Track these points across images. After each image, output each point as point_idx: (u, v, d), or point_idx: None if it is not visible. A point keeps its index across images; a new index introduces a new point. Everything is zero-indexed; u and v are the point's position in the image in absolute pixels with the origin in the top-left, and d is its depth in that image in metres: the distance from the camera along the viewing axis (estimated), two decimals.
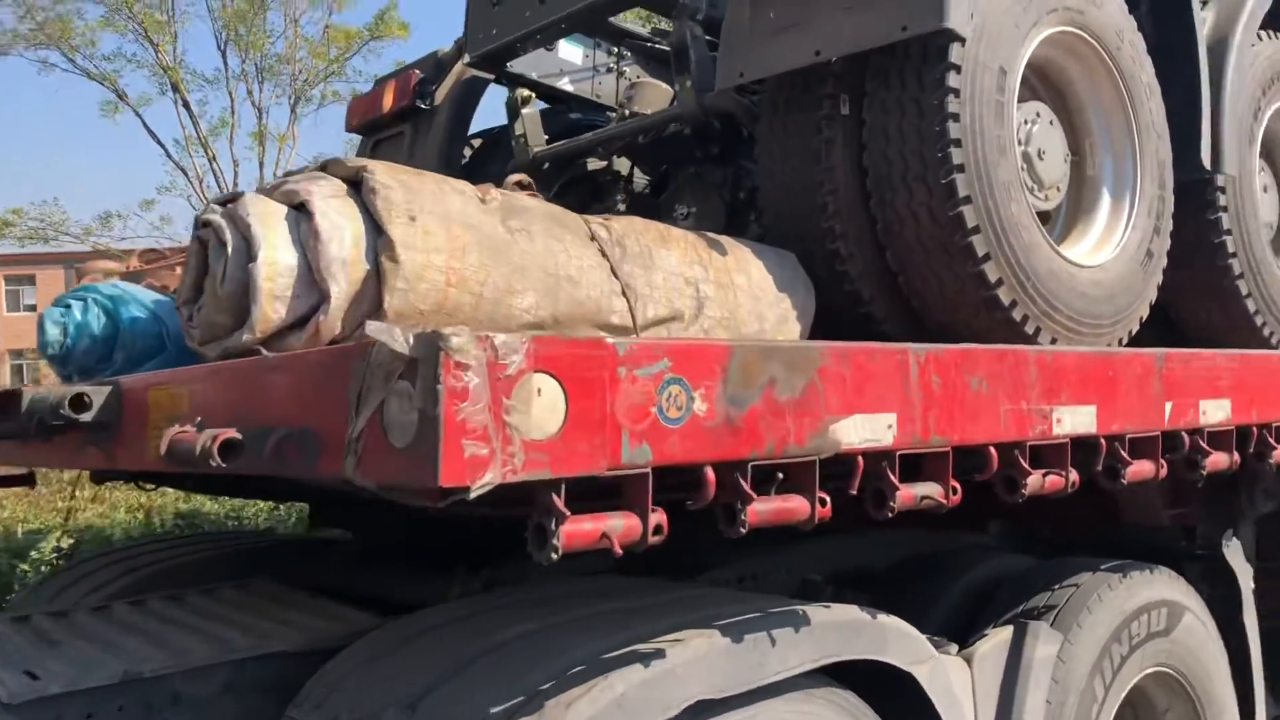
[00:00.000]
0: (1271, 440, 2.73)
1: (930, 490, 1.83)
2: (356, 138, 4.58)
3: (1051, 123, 3.06)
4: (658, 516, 1.48)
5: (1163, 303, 3.76)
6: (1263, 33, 3.79)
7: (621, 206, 4.07)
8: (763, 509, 1.60)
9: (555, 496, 1.38)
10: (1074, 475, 2.14)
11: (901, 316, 2.96)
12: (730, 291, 2.63)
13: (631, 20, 4.42)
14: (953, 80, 2.65)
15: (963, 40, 2.65)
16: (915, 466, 1.86)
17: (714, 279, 2.60)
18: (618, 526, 1.43)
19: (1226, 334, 3.68)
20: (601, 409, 1.39)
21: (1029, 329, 2.78)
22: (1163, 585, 2.93)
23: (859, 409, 1.70)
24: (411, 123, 4.14)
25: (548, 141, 3.89)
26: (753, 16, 2.90)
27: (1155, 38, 3.43)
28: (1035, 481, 2.05)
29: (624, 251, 2.45)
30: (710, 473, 1.54)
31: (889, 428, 1.75)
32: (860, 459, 1.74)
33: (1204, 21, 3.62)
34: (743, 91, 3.21)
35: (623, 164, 4.19)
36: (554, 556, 1.36)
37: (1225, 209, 3.53)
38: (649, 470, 1.45)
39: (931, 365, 1.82)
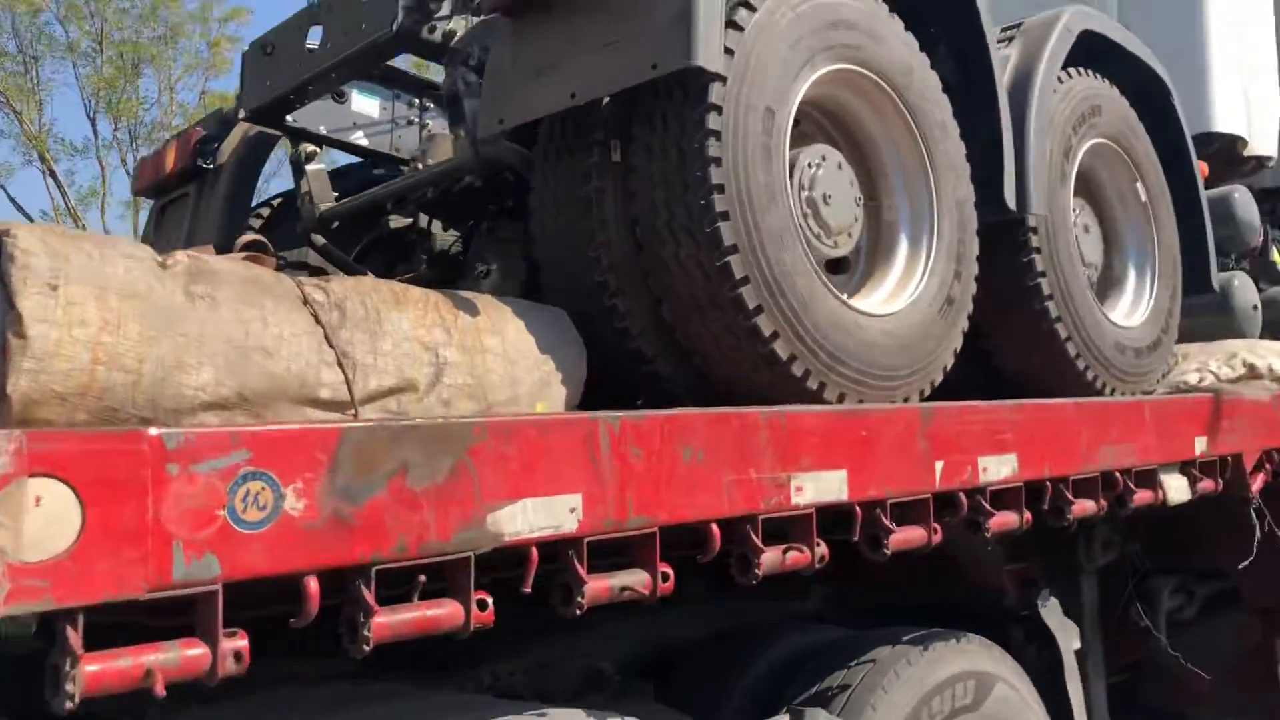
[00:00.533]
0: (1069, 495, 2.56)
1: (632, 580, 1.60)
2: None
3: (840, 165, 2.90)
4: (235, 642, 1.22)
5: (987, 349, 3.65)
6: (1075, 70, 3.72)
7: (426, 266, 3.84)
8: (394, 620, 1.35)
9: (71, 630, 1.11)
10: (822, 549, 1.93)
11: (688, 375, 2.75)
12: (479, 356, 2.39)
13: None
14: (713, 122, 2.47)
15: (722, 79, 2.48)
16: (620, 551, 1.64)
17: (459, 343, 2.36)
18: (172, 660, 1.17)
19: (1050, 379, 3.54)
20: (139, 517, 1.14)
21: (811, 384, 2.59)
22: (971, 655, 2.74)
23: (530, 492, 1.47)
24: (195, 183, 3.87)
25: (338, 199, 3.65)
26: (512, 60, 2.71)
27: (956, 76, 3.32)
28: (772, 559, 1.84)
29: (343, 316, 2.20)
30: (313, 583, 1.29)
31: (572, 511, 1.52)
32: (534, 550, 1.50)
33: (1006, 59, 3.53)
34: (524, 139, 3.02)
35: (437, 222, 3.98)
36: (69, 706, 1.09)
37: (1039, 250, 3.41)
38: (218, 588, 1.20)
39: (629, 436, 1.61)
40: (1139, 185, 3.93)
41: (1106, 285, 3.98)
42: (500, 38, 2.77)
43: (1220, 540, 3.83)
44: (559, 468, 1.51)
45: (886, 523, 2.06)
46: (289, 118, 3.61)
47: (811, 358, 2.59)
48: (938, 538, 2.19)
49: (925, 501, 2.17)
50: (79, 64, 24.83)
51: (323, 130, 3.76)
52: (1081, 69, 3.75)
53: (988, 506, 2.30)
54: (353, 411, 2.17)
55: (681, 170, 2.50)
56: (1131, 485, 2.74)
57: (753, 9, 2.60)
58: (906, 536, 2.12)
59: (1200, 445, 3.03)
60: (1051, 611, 3.01)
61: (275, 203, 4.10)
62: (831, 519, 2.01)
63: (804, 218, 2.78)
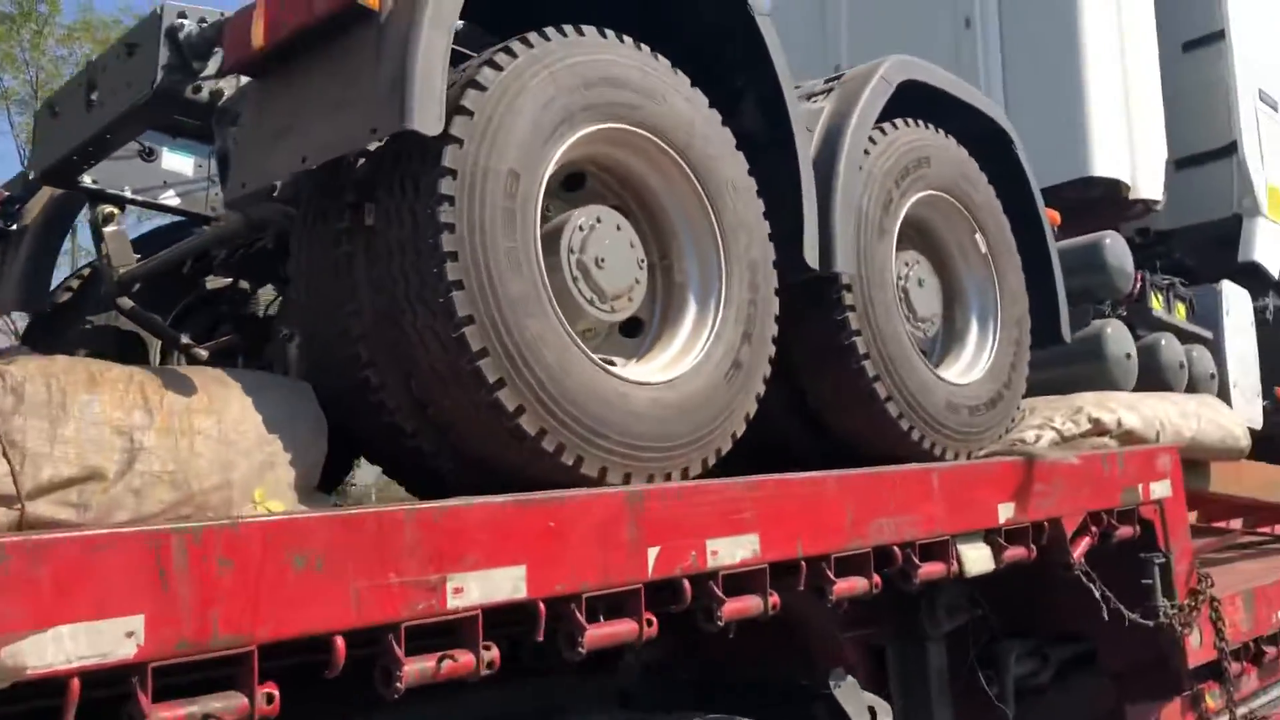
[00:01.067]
0: (830, 574, 2.43)
1: (219, 705, 1.45)
2: None
3: (619, 227, 2.79)
4: None
5: (816, 409, 3.54)
6: (902, 121, 3.63)
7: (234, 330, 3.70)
8: None
9: None
10: (490, 653, 1.78)
11: (451, 453, 2.61)
12: (185, 439, 2.24)
13: None
14: (445, 186, 2.35)
15: (458, 142, 2.37)
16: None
17: (162, 425, 2.22)
18: None
19: (874, 440, 3.43)
20: None
21: (566, 460, 2.46)
22: None
23: (69, 618, 1.32)
24: (0, 244, 3.74)
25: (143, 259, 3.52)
26: (256, 121, 2.60)
27: (760, 131, 3.22)
28: (420, 669, 1.69)
29: (20, 401, 2.06)
30: None
31: (130, 635, 1.38)
32: (75, 681, 1.35)
33: (818, 112, 3.43)
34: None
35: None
36: None
37: (853, 308, 3.30)
38: None
39: (216, 547, 1.46)
40: (978, 237, 3.83)
41: (949, 339, 3.88)
42: (249, 98, 2.66)
43: (1075, 603, 3.70)
44: (113, 588, 1.36)
45: (580, 619, 1.92)
46: (87, 178, 3.48)
47: (565, 431, 2.45)
48: (651, 630, 2.04)
49: (636, 592, 2.03)
50: (14, 111, 24.70)
51: (128, 191, 3.63)
52: (910, 120, 3.66)
53: (719, 592, 2.16)
54: (19, 506, 2.02)
55: (416, 236, 2.38)
56: (915, 559, 2.61)
57: (499, 68, 2.49)
58: (609, 631, 1.98)
59: (1006, 512, 2.91)
60: (848, 691, 2.86)
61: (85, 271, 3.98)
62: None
63: (574, 281, 2.67)
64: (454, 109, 2.36)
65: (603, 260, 2.71)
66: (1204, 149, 6.33)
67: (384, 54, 2.30)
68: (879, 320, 3.34)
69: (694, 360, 2.79)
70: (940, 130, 3.77)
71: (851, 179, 3.29)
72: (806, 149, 3.18)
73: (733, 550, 2.17)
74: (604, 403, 2.53)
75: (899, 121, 3.61)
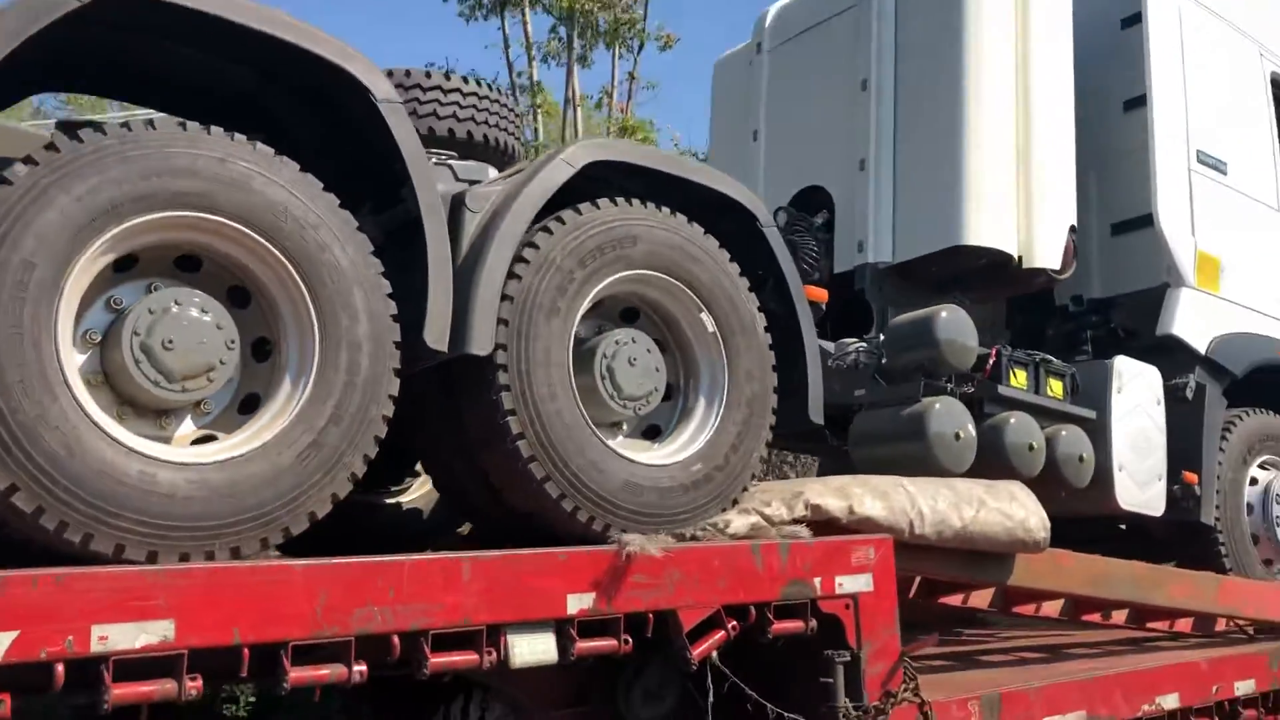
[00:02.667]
0: (286, 662, 2.42)
1: None
2: None
3: (203, 310, 2.89)
4: None
5: (495, 487, 3.56)
6: (606, 200, 3.62)
7: None
8: None
9: None
10: None
11: None
12: None
13: None
14: None
15: None
16: None
17: None
18: None
19: (544, 519, 3.42)
20: None
21: (72, 536, 2.56)
22: None
23: None
24: None
25: None
26: None
27: (399, 217, 3.30)
28: None
29: None
30: None
31: None
32: None
33: (488, 195, 3.48)
34: None
35: None
36: None
37: (507, 388, 3.31)
38: None
39: None
40: (704, 316, 3.77)
41: (680, 416, 3.82)
42: None
43: (804, 689, 3.56)
44: None
45: None
46: None
47: (70, 509, 2.57)
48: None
49: None
50: None
51: None
52: (621, 199, 3.65)
53: (107, 678, 2.22)
54: None
55: None
56: (425, 648, 2.58)
57: (35, 163, 2.65)
58: None
59: (581, 603, 2.84)
60: None
61: None
62: None
63: (135, 364, 2.79)
64: None
65: (171, 342, 2.82)
66: (1133, 215, 5.98)
67: None
68: (538, 401, 3.34)
69: (260, 441, 2.87)
70: (665, 208, 3.74)
71: (498, 262, 3.31)
72: (440, 233, 3.22)
73: (133, 636, 2.23)
74: (120, 482, 2.63)
75: (602, 201, 3.61)
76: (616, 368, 3.63)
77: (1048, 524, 4.14)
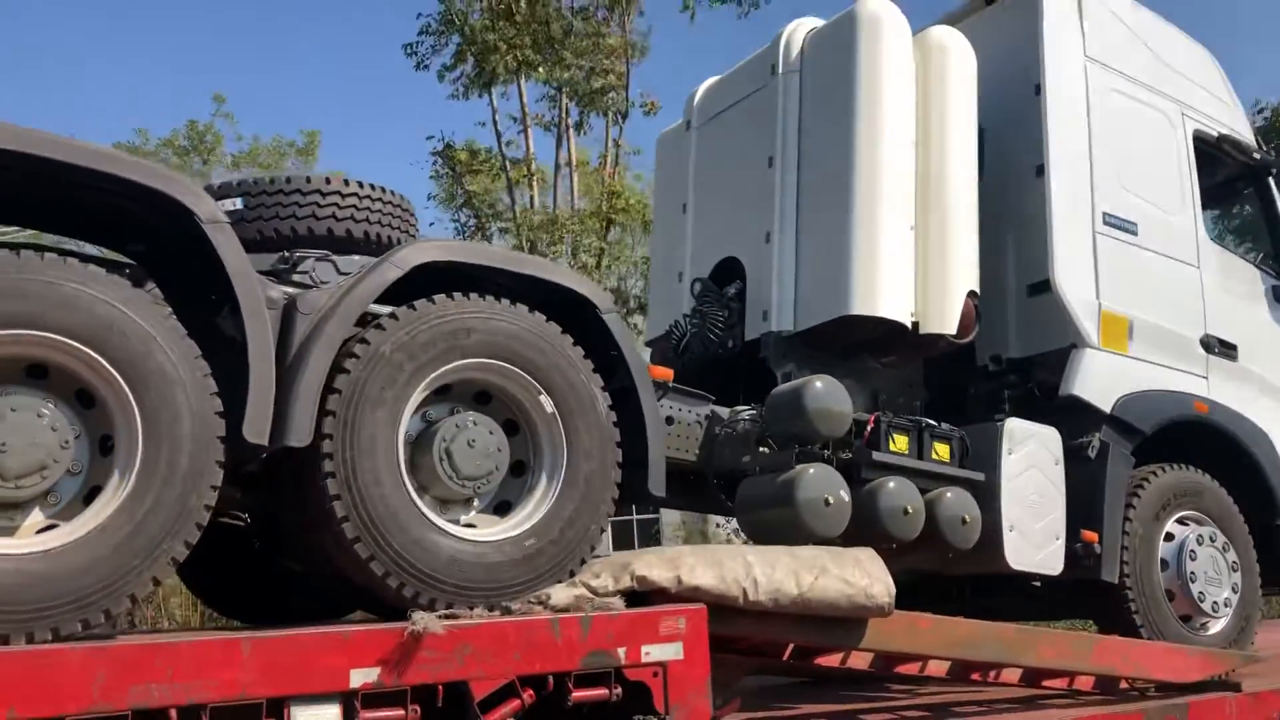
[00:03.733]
0: None
1: None
2: None
3: (41, 413, 3.25)
4: None
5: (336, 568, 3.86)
6: (443, 296, 3.92)
7: None
8: None
9: None
10: None
11: None
12: None
13: None
14: None
15: None
16: None
17: None
18: None
19: (373, 594, 3.73)
20: None
21: None
22: None
23: None
24: None
25: None
26: None
27: (225, 323, 3.66)
28: None
29: None
30: None
31: None
32: None
33: (316, 298, 3.81)
34: None
35: None
36: None
37: (332, 475, 3.62)
38: None
39: None
40: (543, 398, 4.06)
41: (523, 493, 4.10)
42: None
43: None
44: None
45: None
46: None
47: None
48: None
49: None
50: None
51: None
52: (458, 294, 3.96)
53: None
54: None
55: None
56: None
57: None
58: None
59: (365, 676, 3.10)
60: None
61: None
62: None
63: None
64: None
65: (4, 445, 3.20)
66: (1040, 278, 6.13)
67: None
68: (363, 486, 3.65)
69: (83, 531, 3.22)
70: (505, 300, 4.05)
71: (319, 360, 3.64)
72: (262, 334, 3.56)
73: None
74: None
75: (438, 297, 3.93)
76: (455, 450, 3.92)
77: (892, 590, 4.30)
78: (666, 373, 4.56)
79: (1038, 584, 6.08)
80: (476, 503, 4.08)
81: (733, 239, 6.34)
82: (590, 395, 4.18)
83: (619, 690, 3.59)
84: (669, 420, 5.24)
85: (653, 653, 3.65)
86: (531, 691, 3.43)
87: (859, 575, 4.31)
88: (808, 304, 5.76)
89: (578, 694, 3.51)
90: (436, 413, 4.02)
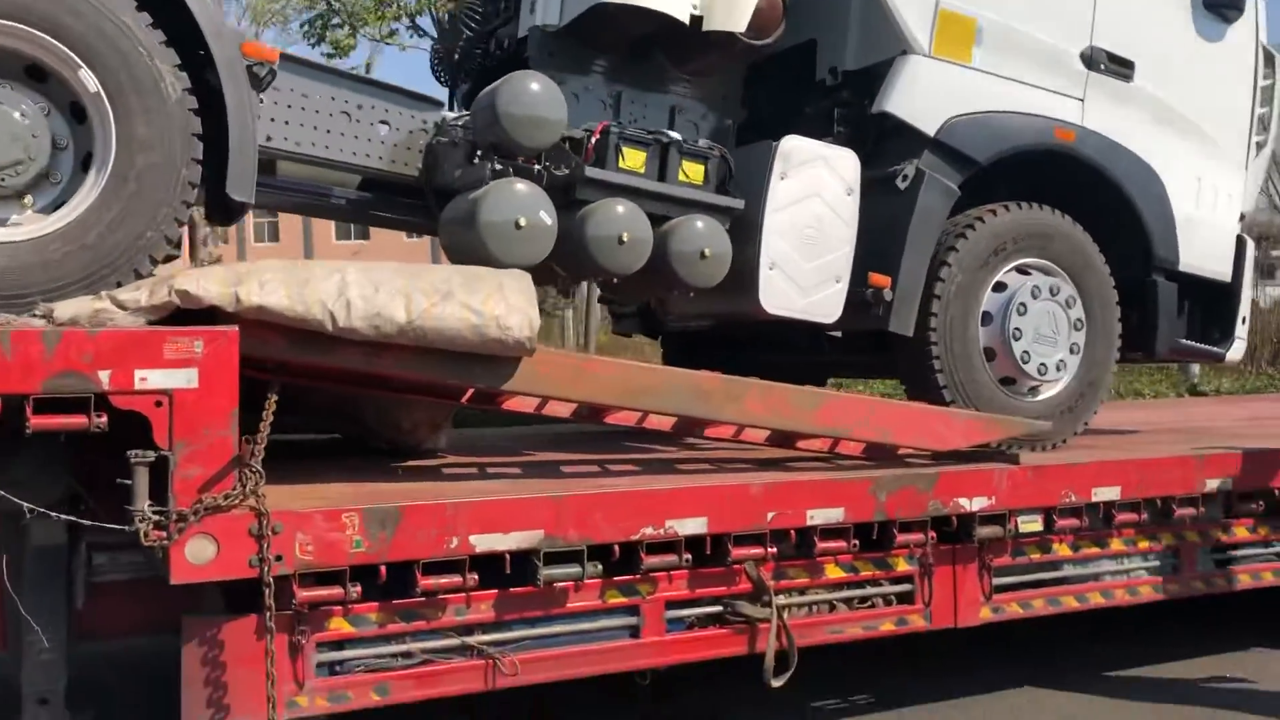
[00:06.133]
0: None
1: None
2: None
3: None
4: None
5: None
6: None
7: None
8: None
9: None
10: None
11: None
12: None
13: None
14: None
15: None
16: None
17: None
18: None
19: None
20: None
21: None
22: None
23: None
24: None
25: None
26: None
27: None
28: None
29: None
30: None
31: None
32: None
33: None
34: None
35: None
36: None
37: None
38: None
39: None
40: (83, 73, 3.35)
41: (77, 189, 3.47)
42: None
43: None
44: None
45: None
46: None
47: None
48: None
49: None
50: None
51: None
52: None
53: None
54: None
55: None
56: None
57: None
58: None
59: None
60: None
61: None
62: None
63: None
64: None
65: None
66: None
67: None
68: None
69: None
70: None
71: None
72: None
73: None
74: None
75: None
76: None
77: (535, 323, 3.59)
78: (271, 53, 3.76)
79: (837, 334, 5.33)
80: (31, 200, 3.46)
81: None
82: (152, 75, 3.43)
83: (103, 419, 3.03)
84: (384, 124, 4.51)
85: (151, 379, 3.06)
86: None
87: (494, 304, 3.60)
88: None
89: (38, 420, 2.96)
90: None
